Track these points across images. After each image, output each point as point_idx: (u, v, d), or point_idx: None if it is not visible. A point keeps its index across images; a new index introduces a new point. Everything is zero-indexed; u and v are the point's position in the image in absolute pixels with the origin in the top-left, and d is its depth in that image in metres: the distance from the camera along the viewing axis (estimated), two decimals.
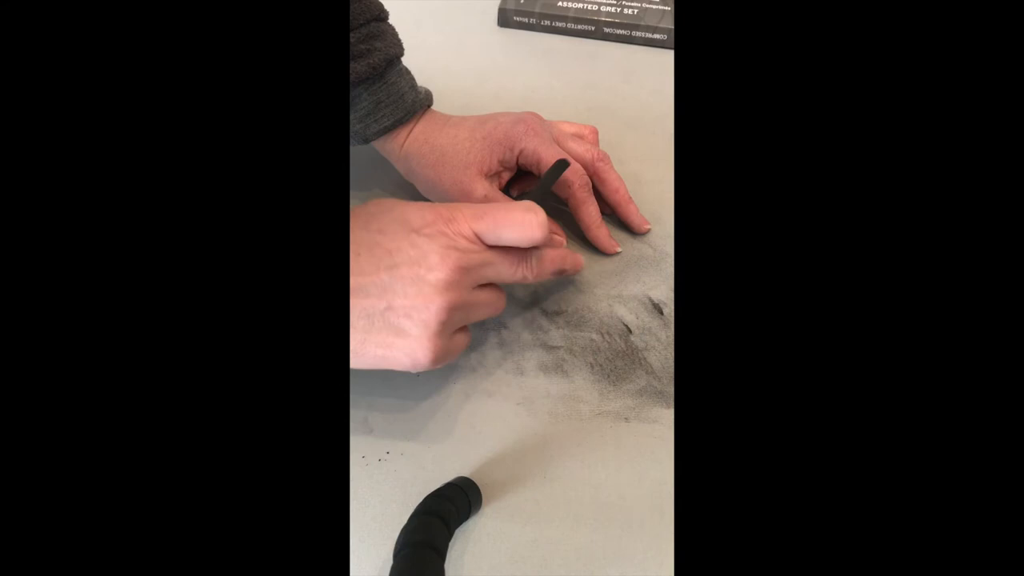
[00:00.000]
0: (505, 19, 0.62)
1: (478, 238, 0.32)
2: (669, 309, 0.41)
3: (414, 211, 0.32)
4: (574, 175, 0.42)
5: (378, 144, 0.44)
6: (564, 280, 0.43)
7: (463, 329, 0.33)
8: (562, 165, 0.40)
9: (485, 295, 0.33)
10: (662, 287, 0.42)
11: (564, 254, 0.37)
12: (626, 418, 0.36)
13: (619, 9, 0.61)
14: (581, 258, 0.39)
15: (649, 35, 0.60)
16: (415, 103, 0.43)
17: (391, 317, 0.30)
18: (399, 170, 0.45)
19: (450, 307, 0.30)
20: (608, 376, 0.38)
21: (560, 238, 0.44)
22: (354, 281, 0.30)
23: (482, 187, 0.42)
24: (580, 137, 0.45)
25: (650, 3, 0.62)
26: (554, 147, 0.42)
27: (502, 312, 0.36)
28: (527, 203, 0.32)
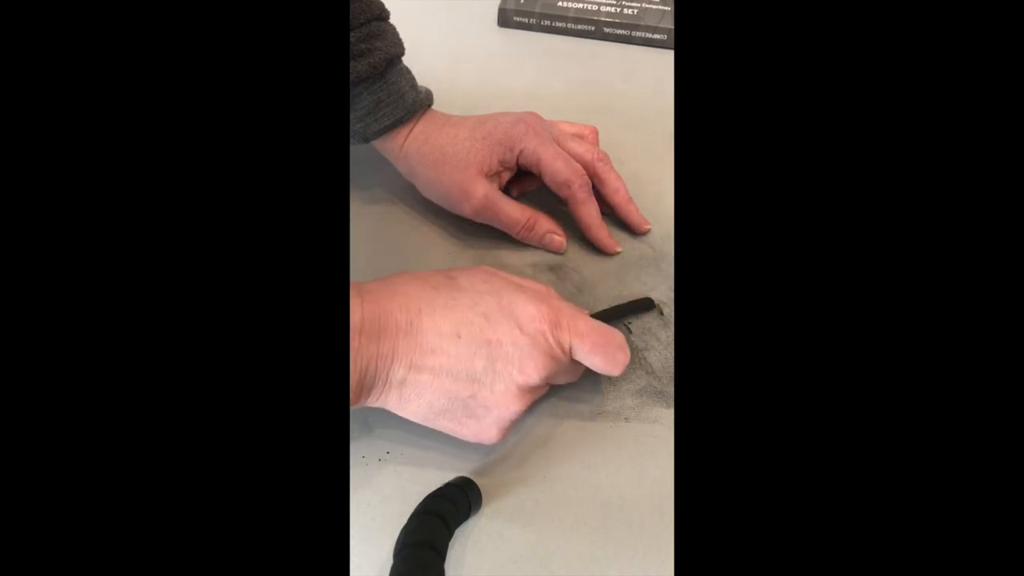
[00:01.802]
0: (505, 19, 0.62)
1: (571, 350, 0.32)
2: (669, 309, 0.41)
3: (521, 303, 0.32)
4: (574, 175, 0.42)
5: (378, 143, 0.44)
6: (564, 280, 0.43)
7: None
8: (647, 304, 0.41)
9: (541, 390, 0.34)
10: (662, 287, 0.42)
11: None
12: (626, 418, 0.36)
13: (619, 9, 0.61)
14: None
15: (649, 35, 0.60)
16: (415, 103, 0.43)
17: (472, 405, 0.31)
18: (399, 169, 0.45)
19: (526, 409, 0.32)
20: (608, 376, 0.38)
21: (560, 238, 0.44)
22: (446, 362, 0.30)
23: (482, 187, 0.42)
24: (580, 137, 0.45)
25: (650, 3, 0.62)
26: (554, 147, 0.42)
27: None
28: (621, 340, 0.33)
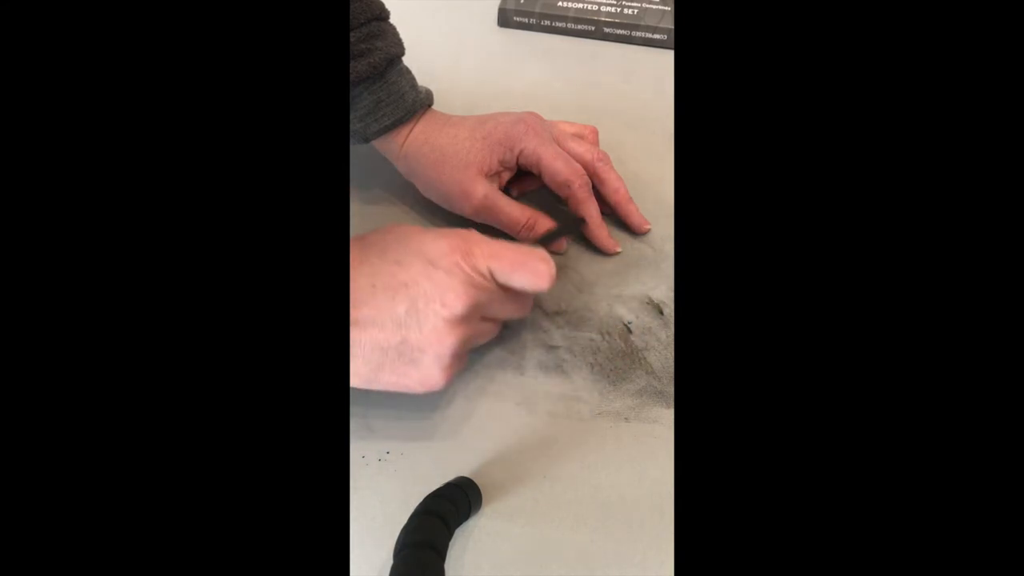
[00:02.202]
0: (505, 19, 0.62)
1: (491, 275, 0.32)
2: (669, 309, 0.41)
3: (431, 241, 0.32)
4: (574, 175, 0.42)
5: (378, 143, 0.44)
6: (564, 280, 0.43)
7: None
8: (580, 221, 0.42)
9: (487, 325, 0.35)
10: (662, 287, 0.42)
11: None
12: (626, 418, 0.36)
13: (619, 9, 0.61)
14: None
15: (649, 35, 0.60)
16: (415, 103, 0.43)
17: (405, 350, 0.31)
18: (399, 169, 0.45)
19: (461, 340, 0.31)
20: (608, 376, 0.38)
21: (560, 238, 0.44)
22: (368, 312, 0.30)
23: (482, 187, 0.42)
24: (580, 137, 0.45)
25: (650, 3, 0.62)
26: (554, 147, 0.42)
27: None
28: (541, 252, 0.33)
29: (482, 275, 0.32)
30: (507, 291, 0.33)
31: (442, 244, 0.32)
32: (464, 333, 0.32)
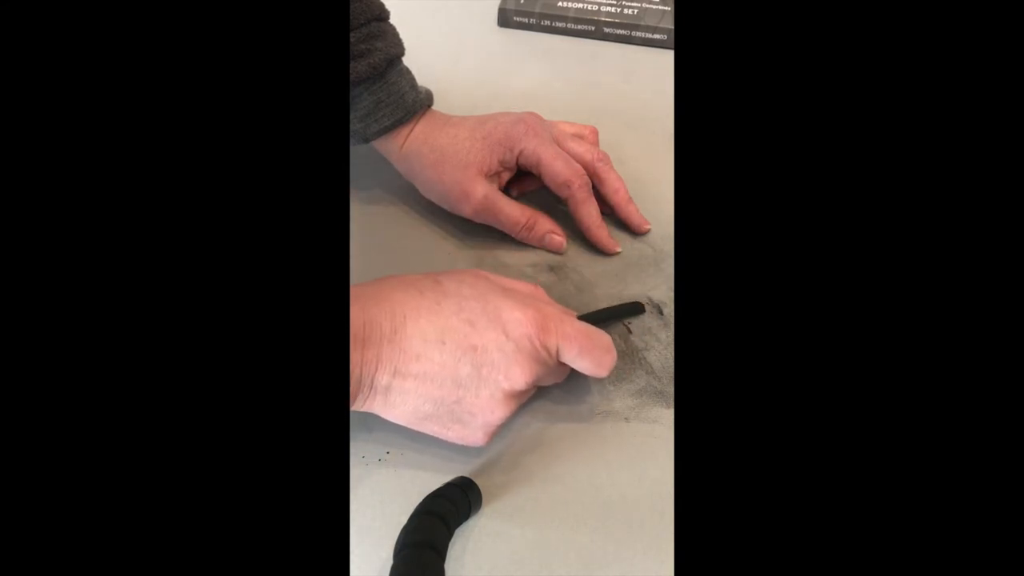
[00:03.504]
0: (505, 19, 0.62)
1: (558, 353, 0.32)
2: (669, 309, 0.41)
3: (508, 309, 0.31)
4: (574, 175, 0.42)
5: (378, 144, 0.44)
6: (564, 280, 0.43)
7: None
8: (637, 309, 0.41)
9: (532, 389, 0.34)
10: (662, 287, 0.42)
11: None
12: (626, 418, 0.36)
13: (619, 9, 0.61)
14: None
15: (649, 35, 0.60)
16: (415, 103, 0.43)
17: (456, 410, 0.31)
18: (399, 170, 0.45)
19: (512, 413, 0.32)
20: (608, 376, 0.38)
21: (560, 238, 0.44)
22: (431, 368, 0.30)
23: (482, 187, 0.42)
24: (580, 137, 0.45)
25: (650, 3, 0.62)
26: (554, 147, 0.42)
27: None
28: (608, 342, 0.33)
29: (549, 353, 0.32)
30: (561, 364, 0.33)
31: (518, 315, 0.31)
32: (516, 406, 0.32)
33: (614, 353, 0.33)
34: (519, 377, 0.31)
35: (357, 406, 0.31)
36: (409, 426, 0.32)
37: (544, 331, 0.31)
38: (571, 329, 0.32)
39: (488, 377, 0.30)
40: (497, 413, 0.31)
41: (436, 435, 0.32)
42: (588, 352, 0.32)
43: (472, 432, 0.32)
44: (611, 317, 0.40)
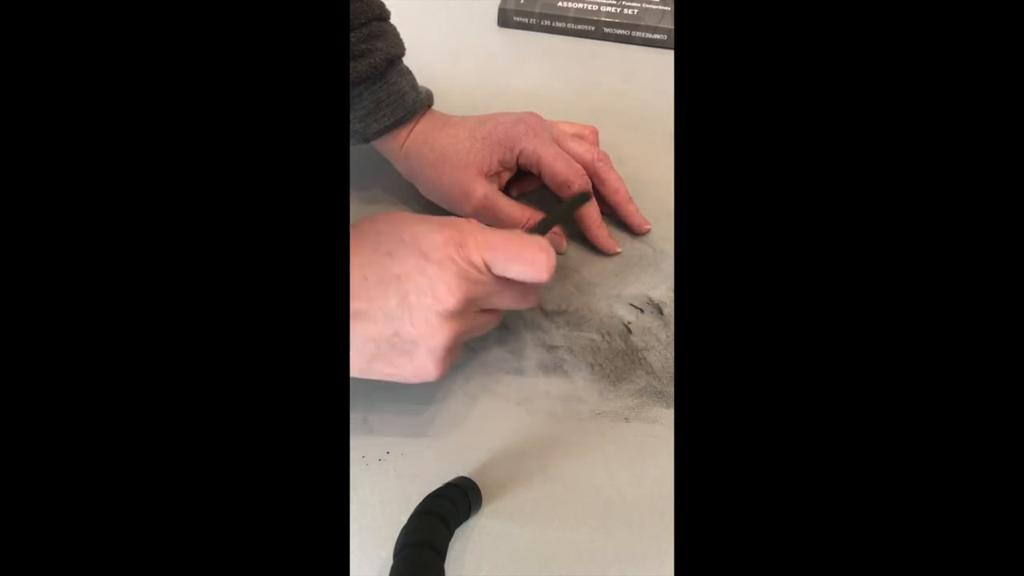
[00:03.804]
0: (505, 19, 0.62)
1: (487, 267, 0.31)
2: (669, 309, 0.41)
3: (424, 232, 0.31)
4: (574, 175, 0.42)
5: (378, 144, 0.44)
6: (564, 280, 0.43)
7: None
8: (584, 197, 0.41)
9: (485, 317, 0.34)
10: (662, 287, 0.42)
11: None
12: (626, 418, 0.36)
13: (619, 9, 0.61)
14: (562, 241, 0.39)
15: (649, 35, 0.60)
16: (416, 103, 0.43)
17: (397, 343, 0.30)
18: (399, 170, 0.45)
19: (455, 334, 0.31)
20: (608, 376, 0.38)
21: (560, 238, 0.44)
22: (360, 305, 0.30)
23: (482, 187, 0.42)
24: (580, 137, 0.45)
25: (650, 3, 0.62)
26: (554, 147, 0.42)
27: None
28: (540, 241, 0.32)
29: (477, 268, 0.31)
30: (506, 282, 0.32)
31: (436, 237, 0.31)
32: (458, 327, 0.31)
33: (549, 251, 0.31)
34: (447, 295, 0.30)
35: None
36: (364, 375, 0.31)
37: (463, 246, 0.31)
38: (494, 239, 0.31)
39: (417, 303, 0.30)
40: (439, 337, 0.30)
41: (391, 377, 0.31)
42: (517, 256, 0.31)
43: (422, 363, 0.31)
44: (558, 217, 0.40)
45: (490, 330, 0.35)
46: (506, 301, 0.33)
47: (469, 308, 0.32)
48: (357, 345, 0.30)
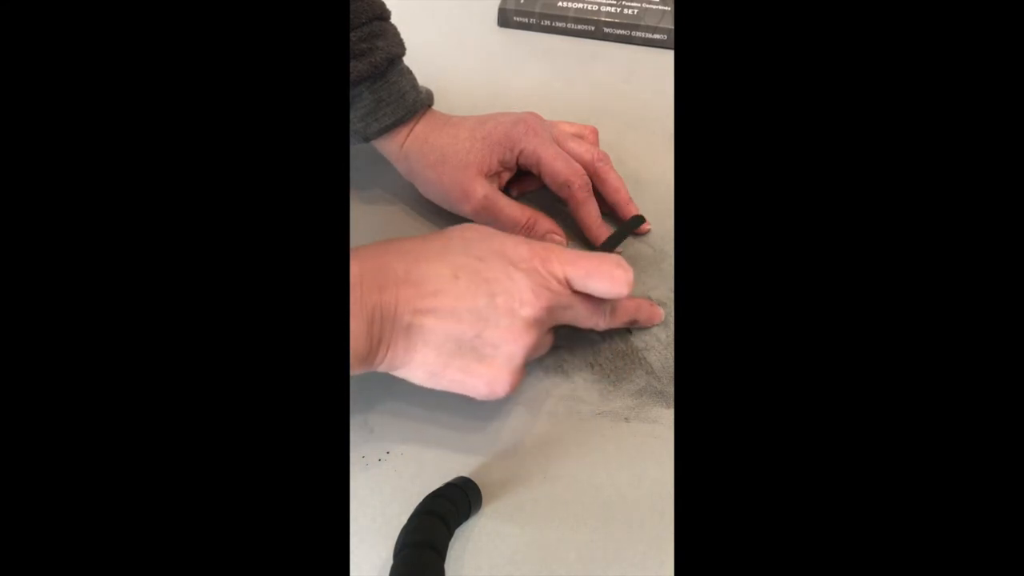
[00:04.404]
0: (505, 19, 0.62)
1: (567, 282, 0.32)
2: (669, 309, 0.41)
3: (511, 245, 0.33)
4: (574, 175, 0.42)
5: (378, 143, 0.44)
6: None
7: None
8: (638, 220, 0.43)
9: (549, 338, 0.35)
10: (662, 287, 0.42)
11: (639, 304, 0.38)
12: (626, 418, 0.36)
13: (619, 9, 0.61)
14: (660, 311, 0.40)
15: (649, 35, 0.60)
16: (416, 102, 0.43)
17: (479, 344, 0.31)
18: (399, 169, 0.45)
19: (533, 344, 0.32)
20: (608, 376, 0.38)
21: (560, 238, 0.44)
22: (447, 302, 0.30)
23: (482, 187, 0.42)
24: (580, 137, 0.45)
25: (650, 3, 0.62)
26: (554, 147, 0.42)
27: None
28: (618, 258, 0.33)
29: (559, 281, 0.32)
30: (583, 298, 0.33)
31: (522, 249, 0.32)
32: (536, 337, 0.32)
33: (627, 266, 0.33)
34: (534, 301, 0.31)
35: (381, 355, 0.31)
36: (431, 382, 0.31)
37: (547, 261, 0.32)
38: (575, 255, 0.33)
39: (504, 306, 0.31)
40: (520, 342, 0.31)
41: (460, 386, 0.32)
42: (597, 271, 0.32)
43: (498, 371, 0.31)
44: (619, 237, 0.42)
45: (543, 352, 0.36)
46: (579, 317, 0.34)
47: (547, 319, 0.32)
48: (438, 342, 0.30)
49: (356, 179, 0.47)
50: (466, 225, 0.34)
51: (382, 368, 0.31)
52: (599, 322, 0.35)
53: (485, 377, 0.31)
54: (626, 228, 0.43)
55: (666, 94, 0.56)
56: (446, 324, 0.30)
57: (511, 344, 0.31)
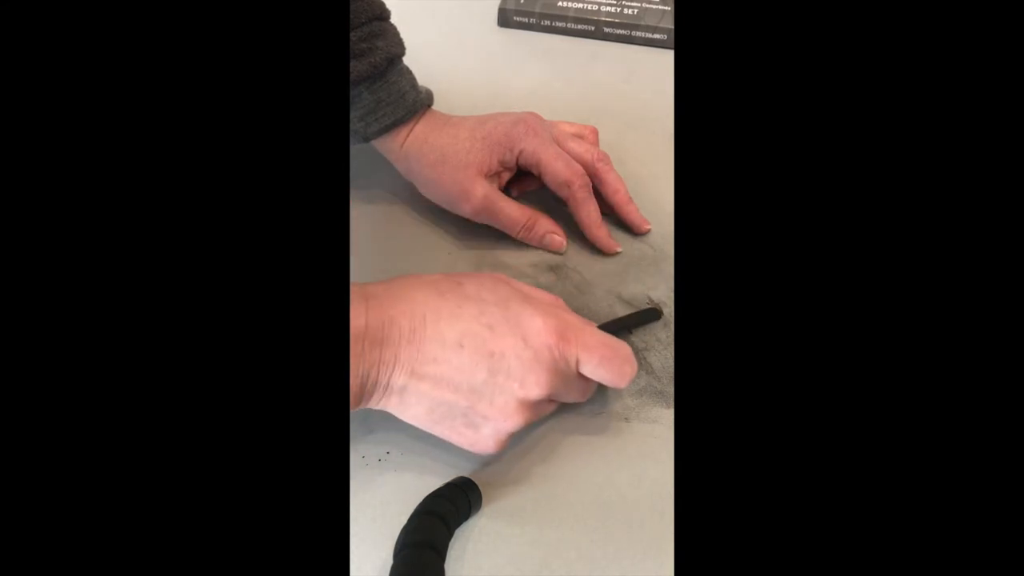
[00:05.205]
0: (505, 19, 0.62)
1: (578, 364, 0.32)
2: (669, 309, 0.41)
3: (528, 315, 0.31)
4: (574, 175, 0.42)
5: (378, 143, 0.44)
6: (564, 280, 0.43)
7: None
8: (655, 315, 0.40)
9: (549, 407, 0.34)
10: (662, 287, 0.42)
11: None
12: (626, 418, 0.36)
13: (619, 9, 0.61)
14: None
15: (649, 35, 0.60)
16: (416, 102, 0.43)
17: (470, 414, 0.31)
18: (399, 169, 0.45)
19: (525, 422, 0.31)
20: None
21: (560, 238, 0.44)
22: (447, 372, 0.30)
23: (481, 187, 0.42)
24: (580, 137, 0.45)
25: (650, 3, 0.62)
26: (554, 147, 0.42)
27: None
28: (628, 352, 0.33)
29: (568, 363, 0.31)
30: (582, 379, 0.33)
31: (539, 323, 0.31)
32: (529, 416, 0.31)
33: (634, 363, 0.33)
34: (534, 386, 0.30)
35: (373, 404, 0.31)
36: (421, 427, 0.32)
37: (564, 340, 0.31)
38: (591, 339, 0.32)
39: (503, 385, 0.30)
40: (509, 422, 0.31)
41: (447, 438, 0.32)
42: (608, 362, 0.32)
43: (483, 439, 0.31)
44: (630, 325, 0.40)
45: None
46: (572, 395, 0.34)
47: (544, 402, 0.32)
48: (431, 405, 0.30)
49: (356, 179, 0.47)
50: (485, 280, 0.33)
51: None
52: (582, 400, 0.35)
53: (470, 440, 0.31)
54: (641, 319, 0.40)
55: (666, 94, 0.56)
56: (440, 392, 0.30)
57: (500, 422, 0.31)
